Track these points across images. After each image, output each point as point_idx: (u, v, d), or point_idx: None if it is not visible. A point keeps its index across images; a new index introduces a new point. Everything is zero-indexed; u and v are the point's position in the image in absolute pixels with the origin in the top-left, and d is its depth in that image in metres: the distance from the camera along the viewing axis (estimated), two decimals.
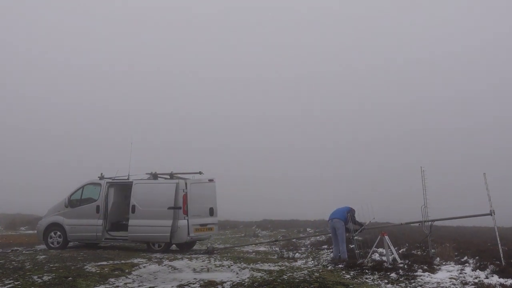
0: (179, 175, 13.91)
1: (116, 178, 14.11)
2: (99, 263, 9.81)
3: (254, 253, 13.85)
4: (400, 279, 8.36)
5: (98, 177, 14.01)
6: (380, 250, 11.59)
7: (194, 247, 14.74)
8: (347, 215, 11.17)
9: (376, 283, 8.09)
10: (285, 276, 8.21)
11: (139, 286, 7.75)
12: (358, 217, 11.34)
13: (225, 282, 7.79)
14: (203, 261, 10.49)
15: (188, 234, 12.83)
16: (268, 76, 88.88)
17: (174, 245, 13.69)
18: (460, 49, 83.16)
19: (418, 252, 11.73)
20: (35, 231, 15.26)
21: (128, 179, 13.96)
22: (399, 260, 10.11)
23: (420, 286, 7.82)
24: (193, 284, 7.76)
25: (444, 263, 9.92)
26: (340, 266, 10.08)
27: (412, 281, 8.19)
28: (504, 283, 7.81)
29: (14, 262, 9.80)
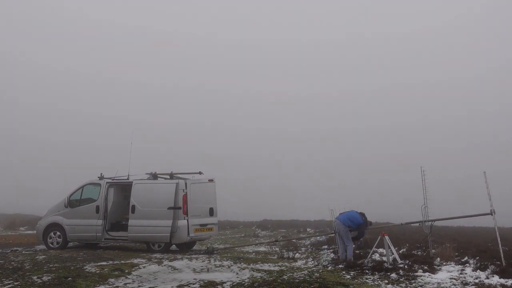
0: (179, 175, 13.90)
1: (116, 178, 14.09)
2: (99, 264, 9.80)
3: (254, 253, 13.83)
4: (401, 280, 8.33)
5: (98, 177, 13.99)
6: (381, 250, 11.57)
7: (194, 247, 14.72)
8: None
9: (376, 283, 8.06)
10: (285, 277, 8.19)
11: (139, 286, 7.73)
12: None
13: (225, 282, 7.77)
14: (203, 261, 10.48)
15: (188, 234, 12.82)
16: (274, 92, 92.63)
17: (174, 245, 13.67)
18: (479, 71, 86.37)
19: (419, 252, 11.71)
20: (35, 231, 15.24)
21: (128, 179, 13.95)
22: (399, 260, 10.08)
23: (421, 286, 7.79)
24: (193, 284, 7.74)
25: (444, 263, 9.90)
26: (340, 266, 10.07)
27: (413, 281, 8.17)
28: (505, 284, 7.78)
29: (13, 263, 9.78)
